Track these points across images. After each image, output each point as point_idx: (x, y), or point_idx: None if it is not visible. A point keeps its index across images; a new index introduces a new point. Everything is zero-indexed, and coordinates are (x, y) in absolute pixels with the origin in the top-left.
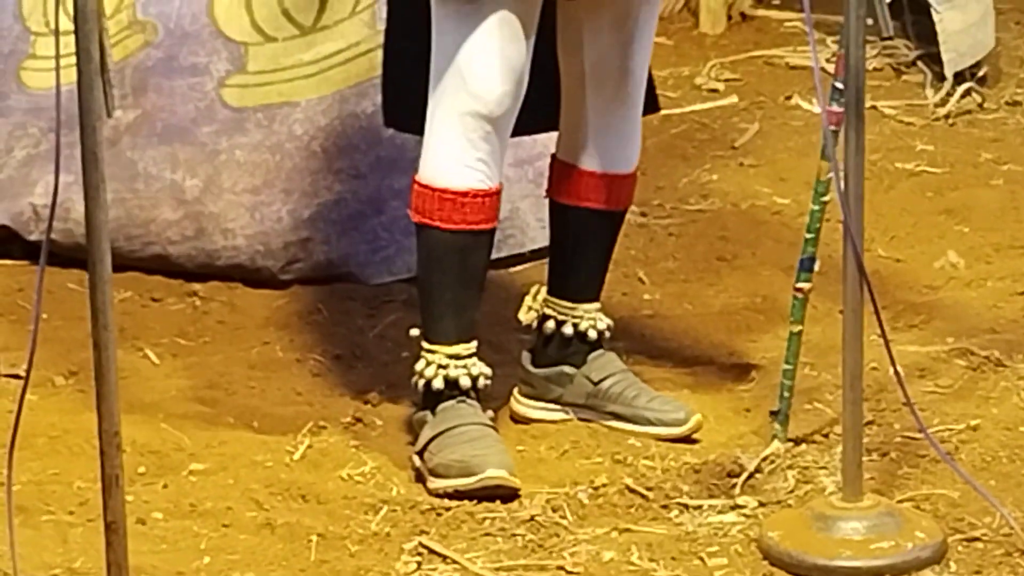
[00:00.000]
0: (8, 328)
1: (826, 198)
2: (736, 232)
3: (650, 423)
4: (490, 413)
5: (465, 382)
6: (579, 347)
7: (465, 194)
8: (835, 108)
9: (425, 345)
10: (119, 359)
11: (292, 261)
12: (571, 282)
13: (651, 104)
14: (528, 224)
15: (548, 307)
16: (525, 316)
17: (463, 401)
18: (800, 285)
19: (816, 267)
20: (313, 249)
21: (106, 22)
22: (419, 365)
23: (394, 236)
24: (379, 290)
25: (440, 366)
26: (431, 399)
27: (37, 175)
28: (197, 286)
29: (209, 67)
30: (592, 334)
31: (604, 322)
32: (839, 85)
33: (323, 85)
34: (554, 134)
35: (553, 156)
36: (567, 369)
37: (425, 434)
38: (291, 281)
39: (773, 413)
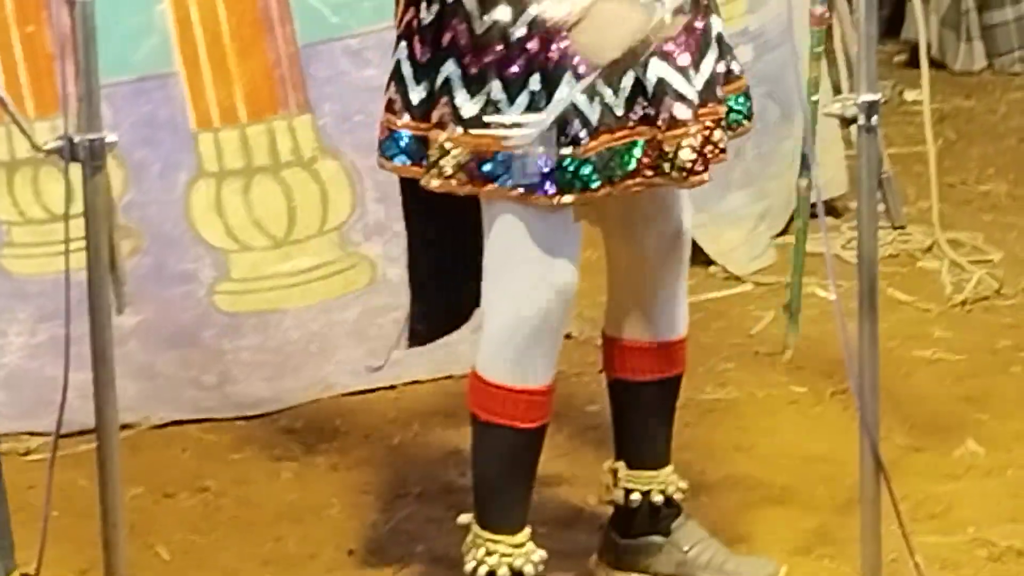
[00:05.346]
0: (18, 526)
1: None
2: (754, 421)
3: None
4: None
5: (529, 570)
6: (667, 512)
7: (526, 392)
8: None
9: (486, 534)
10: (130, 556)
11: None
12: (647, 452)
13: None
14: None
15: (631, 481)
16: (608, 495)
17: None
18: None
19: None
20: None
21: (116, 218)
22: (479, 553)
23: None
24: (394, 484)
25: (503, 555)
26: None
27: (50, 370)
28: (209, 481)
29: (198, 274)
30: (678, 496)
31: (684, 482)
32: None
33: (307, 295)
34: None
35: (603, 334)
36: (656, 539)
37: None
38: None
39: None
